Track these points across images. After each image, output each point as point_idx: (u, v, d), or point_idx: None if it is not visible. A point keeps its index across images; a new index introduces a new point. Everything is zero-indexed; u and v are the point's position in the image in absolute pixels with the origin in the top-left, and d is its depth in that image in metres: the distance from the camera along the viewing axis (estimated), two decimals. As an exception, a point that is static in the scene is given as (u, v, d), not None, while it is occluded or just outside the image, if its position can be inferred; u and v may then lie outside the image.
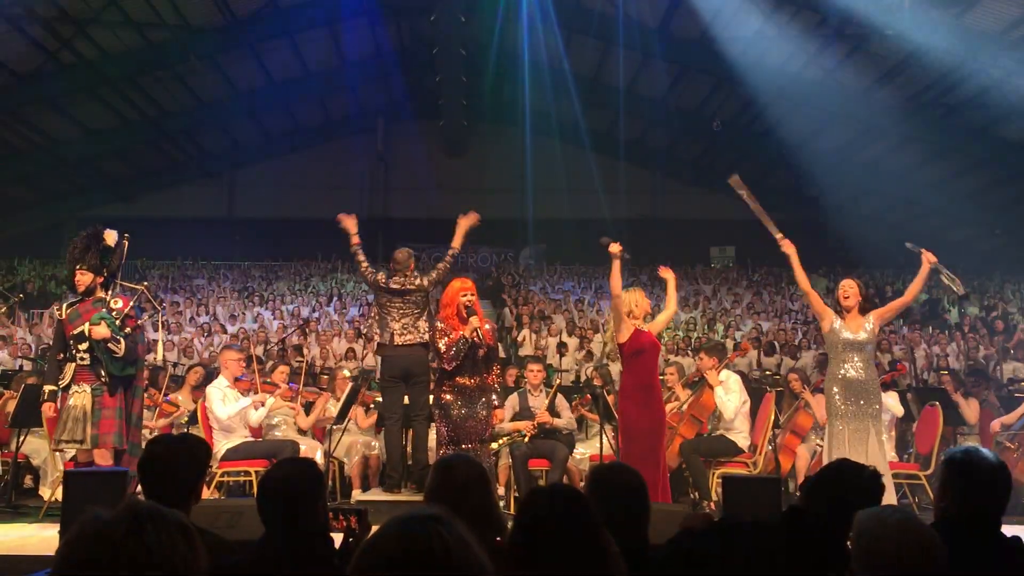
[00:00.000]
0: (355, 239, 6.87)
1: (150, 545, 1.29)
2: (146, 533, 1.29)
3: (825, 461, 5.27)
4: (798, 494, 2.60)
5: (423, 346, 6.47)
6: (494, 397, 6.05)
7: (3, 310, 12.26)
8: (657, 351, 5.99)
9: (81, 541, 1.29)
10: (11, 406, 7.32)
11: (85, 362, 5.54)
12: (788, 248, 5.85)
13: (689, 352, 12.99)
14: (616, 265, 5.90)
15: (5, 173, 19.02)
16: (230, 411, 6.69)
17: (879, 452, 5.44)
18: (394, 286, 6.57)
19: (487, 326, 5.97)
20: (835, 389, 5.54)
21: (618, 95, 19.35)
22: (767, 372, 11.84)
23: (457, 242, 6.85)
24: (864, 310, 5.65)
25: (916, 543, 1.95)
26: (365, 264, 6.81)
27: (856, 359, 5.51)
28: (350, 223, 6.91)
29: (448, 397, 5.86)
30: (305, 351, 11.92)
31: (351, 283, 19.30)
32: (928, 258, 5.66)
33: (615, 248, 5.88)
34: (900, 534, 1.97)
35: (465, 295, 5.92)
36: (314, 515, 2.58)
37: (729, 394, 6.95)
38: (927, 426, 7.52)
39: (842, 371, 5.54)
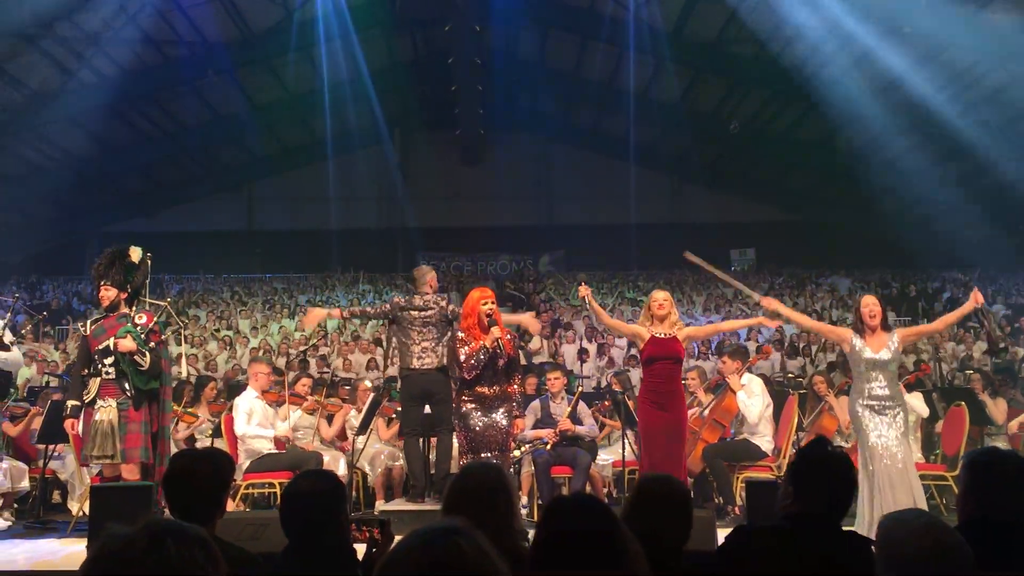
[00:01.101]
0: (335, 313, 7.38)
1: (171, 561, 1.29)
2: (166, 549, 1.30)
3: (863, 480, 5.18)
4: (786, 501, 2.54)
5: (442, 369, 6.45)
6: (515, 406, 6.01)
7: (28, 327, 12.41)
8: (675, 358, 5.86)
9: (102, 559, 1.30)
10: (38, 422, 7.40)
11: (110, 376, 5.60)
12: (771, 304, 5.96)
13: (711, 356, 12.92)
14: (593, 305, 6.01)
15: (27, 191, 19.25)
16: (250, 432, 6.73)
17: (907, 455, 5.38)
18: (417, 302, 6.52)
19: (507, 336, 5.94)
20: (860, 409, 5.44)
21: (632, 100, 19.34)
22: (790, 375, 11.75)
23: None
24: (887, 327, 5.59)
25: (941, 546, 1.93)
26: (371, 309, 7.17)
27: (881, 377, 5.41)
28: (310, 321, 7.70)
29: (468, 406, 5.82)
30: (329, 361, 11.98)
31: (372, 293, 19.36)
32: (976, 298, 5.59)
33: (582, 291, 6.04)
34: (925, 537, 1.95)
35: (486, 304, 5.86)
36: (336, 527, 2.59)
37: (752, 398, 6.91)
38: (953, 426, 7.42)
39: (868, 389, 5.43)
